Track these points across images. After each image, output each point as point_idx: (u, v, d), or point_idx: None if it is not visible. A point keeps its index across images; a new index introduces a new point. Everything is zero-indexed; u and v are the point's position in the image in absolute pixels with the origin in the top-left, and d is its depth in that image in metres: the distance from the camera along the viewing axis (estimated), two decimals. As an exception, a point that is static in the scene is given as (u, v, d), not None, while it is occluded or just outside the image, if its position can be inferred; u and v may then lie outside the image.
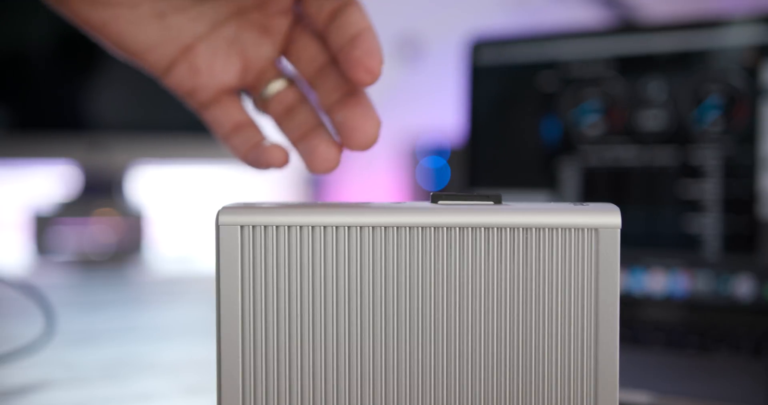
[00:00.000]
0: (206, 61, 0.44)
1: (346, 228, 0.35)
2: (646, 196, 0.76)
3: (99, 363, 0.61)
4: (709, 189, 0.73)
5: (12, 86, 1.24)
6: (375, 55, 0.41)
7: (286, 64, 0.46)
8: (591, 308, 0.34)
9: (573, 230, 0.34)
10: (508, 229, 0.35)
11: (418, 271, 0.35)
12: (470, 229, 0.35)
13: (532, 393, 0.35)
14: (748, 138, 0.72)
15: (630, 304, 0.76)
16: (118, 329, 0.76)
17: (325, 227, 0.35)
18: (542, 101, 0.81)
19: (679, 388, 0.51)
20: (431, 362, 0.35)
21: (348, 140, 0.43)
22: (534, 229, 0.35)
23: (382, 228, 0.35)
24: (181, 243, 1.43)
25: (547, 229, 0.34)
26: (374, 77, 0.41)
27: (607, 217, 0.34)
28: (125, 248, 1.25)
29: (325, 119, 0.45)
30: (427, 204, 0.36)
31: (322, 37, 0.44)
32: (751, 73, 0.72)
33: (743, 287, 0.72)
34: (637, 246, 0.76)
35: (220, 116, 0.46)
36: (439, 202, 0.36)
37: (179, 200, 1.62)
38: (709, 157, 0.73)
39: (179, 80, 0.45)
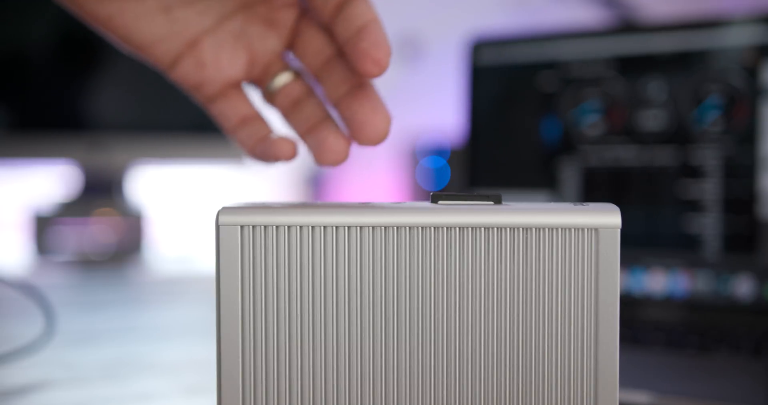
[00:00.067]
0: (212, 55, 0.44)
1: (346, 228, 0.35)
2: (646, 196, 0.76)
3: (99, 363, 0.61)
4: (709, 189, 0.73)
5: (12, 86, 1.24)
6: (382, 47, 0.40)
7: (293, 58, 0.46)
8: (591, 308, 0.34)
9: (573, 230, 0.34)
10: (508, 229, 0.35)
11: (418, 271, 0.35)
12: (470, 229, 0.35)
13: (532, 393, 0.35)
14: (748, 138, 0.72)
15: (630, 304, 0.76)
16: (118, 329, 0.76)
17: (325, 227, 0.35)
18: (542, 101, 0.81)
19: (679, 388, 0.51)
20: (431, 362, 0.35)
21: (358, 135, 0.43)
22: (534, 229, 0.35)
23: (382, 228, 0.35)
24: (181, 243, 1.43)
25: (547, 229, 0.34)
26: (382, 69, 0.40)
27: (607, 217, 0.34)
28: (125, 248, 1.25)
29: (333, 112, 0.45)
30: (427, 204, 0.36)
31: (328, 30, 0.44)
32: (751, 73, 0.72)
33: (743, 287, 0.72)
34: (637, 246, 0.76)
35: (226, 110, 0.46)
36: (439, 202, 0.36)
37: (179, 200, 1.62)
38: (709, 157, 0.73)
39: (185, 74, 0.45)
